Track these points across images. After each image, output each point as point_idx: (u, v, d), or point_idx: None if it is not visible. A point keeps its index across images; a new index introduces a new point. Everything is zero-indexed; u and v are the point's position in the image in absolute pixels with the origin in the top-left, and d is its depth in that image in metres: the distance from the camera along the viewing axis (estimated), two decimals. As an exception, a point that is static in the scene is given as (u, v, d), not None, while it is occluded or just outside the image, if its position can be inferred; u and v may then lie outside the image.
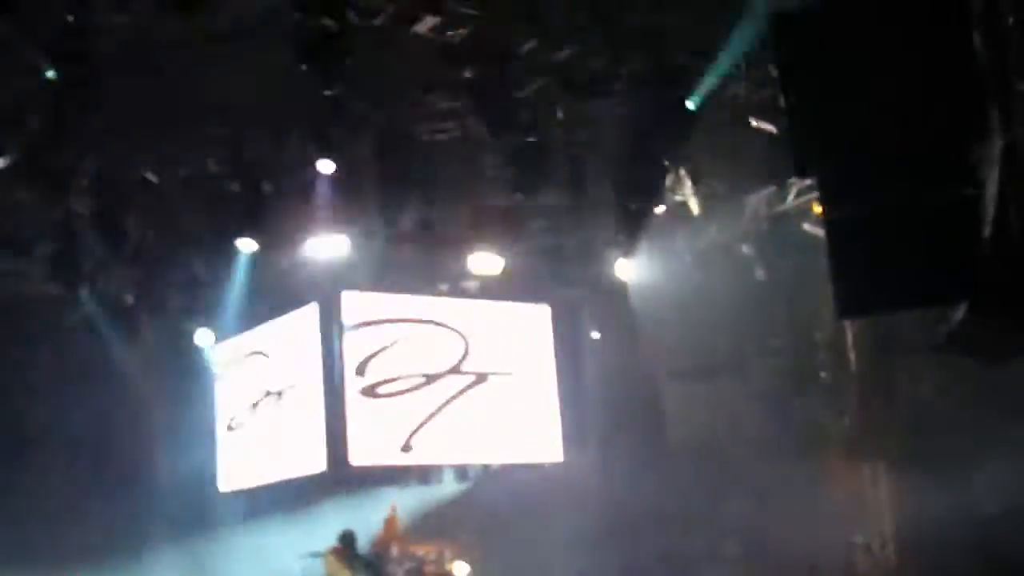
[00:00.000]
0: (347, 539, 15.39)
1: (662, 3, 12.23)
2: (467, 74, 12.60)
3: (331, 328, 16.97)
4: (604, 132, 14.56)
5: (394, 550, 16.81)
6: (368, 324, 17.26)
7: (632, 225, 16.01)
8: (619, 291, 18.05)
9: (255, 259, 15.89)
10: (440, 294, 18.14)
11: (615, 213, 15.84)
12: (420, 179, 14.58)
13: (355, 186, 14.82)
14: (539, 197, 15.06)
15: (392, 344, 17.36)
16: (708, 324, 17.82)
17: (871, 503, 17.23)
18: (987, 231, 5.85)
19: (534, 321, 18.69)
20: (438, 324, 17.82)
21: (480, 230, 16.56)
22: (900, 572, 16.76)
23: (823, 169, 6.36)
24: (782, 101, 6.91)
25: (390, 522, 17.13)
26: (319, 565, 15.34)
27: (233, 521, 17.92)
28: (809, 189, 14.98)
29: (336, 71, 11.75)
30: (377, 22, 11.74)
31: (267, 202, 14.77)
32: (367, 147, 14.15)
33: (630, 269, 17.31)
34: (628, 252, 16.76)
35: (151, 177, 14.94)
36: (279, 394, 17.91)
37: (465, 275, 17.84)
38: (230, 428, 18.88)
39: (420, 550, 17.11)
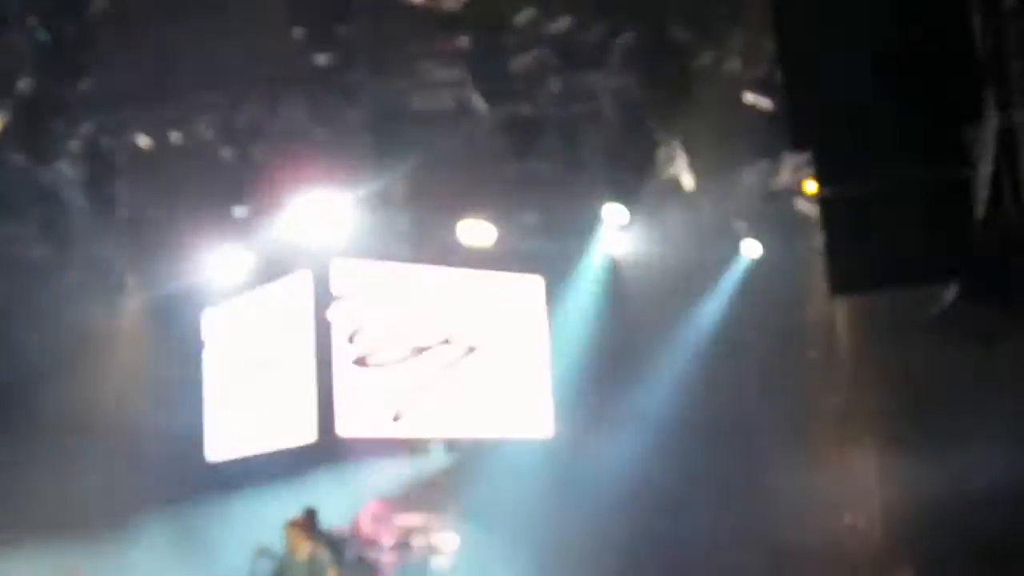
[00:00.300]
0: (309, 515, 15.27)
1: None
2: (462, 43, 12.54)
3: (322, 296, 16.92)
4: (599, 104, 14.50)
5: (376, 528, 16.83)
6: (359, 293, 17.21)
7: (626, 198, 15.99)
8: (612, 265, 18.07)
9: (247, 225, 15.83)
10: (432, 264, 18.07)
11: (609, 186, 15.81)
12: (414, 148, 14.51)
13: (348, 154, 14.77)
14: (533, 168, 15.01)
15: (383, 314, 17.32)
16: (699, 300, 17.81)
17: (862, 483, 17.29)
18: (980, 212, 5.84)
19: (526, 293, 18.65)
20: (429, 294, 17.77)
21: (473, 199, 16.54)
22: (889, 552, 16.83)
23: (818, 146, 6.31)
24: (778, 77, 6.88)
25: (365, 512, 17.12)
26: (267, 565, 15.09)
27: (222, 491, 17.89)
28: (804, 166, 14.94)
29: (330, 38, 11.69)
30: (372, -11, 11.68)
31: (260, 169, 14.70)
32: (361, 115, 14.08)
33: (623, 243, 17.31)
34: (621, 225, 16.75)
35: (143, 142, 14.88)
36: (268, 362, 17.87)
37: (457, 244, 17.82)
38: (219, 397, 18.84)
39: (407, 521, 17.14)
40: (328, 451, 17.37)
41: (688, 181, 15.54)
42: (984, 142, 5.87)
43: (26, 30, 11.49)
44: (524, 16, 12.48)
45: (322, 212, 16.03)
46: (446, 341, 17.72)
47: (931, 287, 6.41)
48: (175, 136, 14.90)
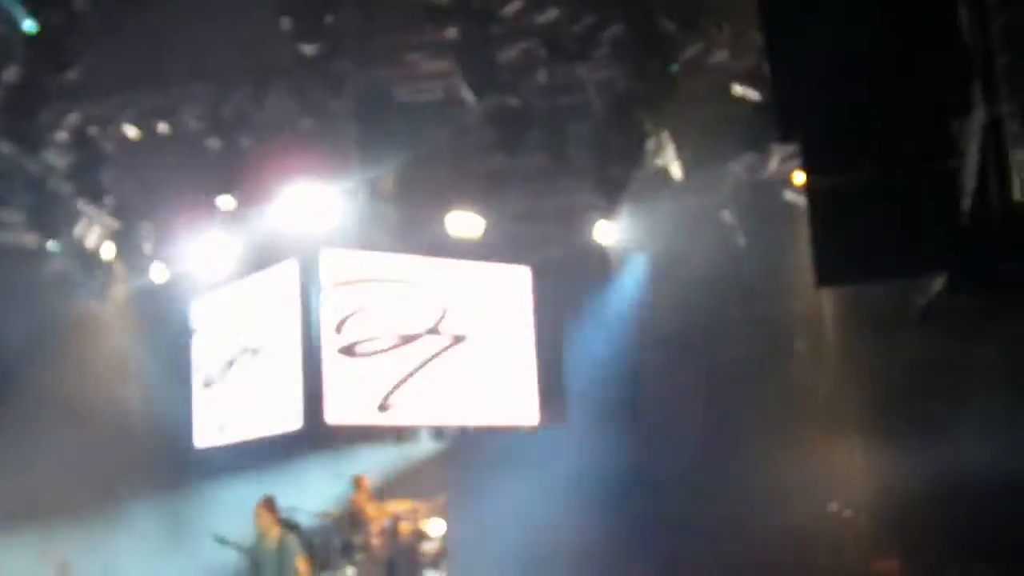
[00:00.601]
0: (268, 502, 15.28)
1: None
2: (450, 34, 12.54)
3: (310, 285, 16.91)
4: (587, 96, 14.52)
5: (368, 510, 16.86)
6: (347, 283, 17.21)
7: (613, 190, 16.01)
8: (600, 255, 18.10)
9: (234, 215, 15.83)
10: (420, 254, 18.07)
11: (596, 177, 15.83)
12: (401, 139, 14.51)
13: (336, 145, 14.76)
14: (520, 159, 15.02)
15: (371, 303, 17.32)
16: (687, 291, 17.82)
17: (846, 472, 17.35)
18: (967, 204, 5.88)
19: (514, 283, 18.66)
20: (417, 284, 17.77)
21: (461, 191, 16.55)
22: (874, 540, 16.90)
23: (806, 137, 6.34)
24: (766, 68, 6.90)
25: (360, 483, 17.15)
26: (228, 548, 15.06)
27: (209, 478, 17.89)
28: (791, 157, 14.96)
29: (318, 28, 11.69)
30: (361, -20, 11.68)
31: (247, 158, 14.69)
32: (348, 106, 14.08)
33: (611, 233, 17.33)
34: (609, 216, 16.78)
35: (129, 131, 14.86)
36: (256, 351, 17.86)
37: (445, 235, 17.83)
38: (206, 384, 18.83)
39: (394, 508, 17.17)
40: (315, 438, 17.37)
41: (676, 172, 15.56)
42: (970, 135, 5.90)
43: (12, 19, 11.46)
44: (512, 7, 12.49)
45: (309, 202, 16.01)
46: (434, 330, 17.73)
47: (917, 278, 6.45)
48: (162, 126, 14.90)
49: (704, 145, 15.33)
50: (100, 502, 17.47)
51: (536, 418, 18.35)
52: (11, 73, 12.43)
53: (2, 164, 14.84)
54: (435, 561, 16.76)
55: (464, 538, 17.23)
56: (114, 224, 16.50)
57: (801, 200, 14.22)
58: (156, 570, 16.18)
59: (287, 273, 17.18)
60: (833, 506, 16.80)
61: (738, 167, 16.26)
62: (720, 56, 13.38)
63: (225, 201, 15.21)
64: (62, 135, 14.34)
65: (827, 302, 16.96)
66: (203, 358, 18.91)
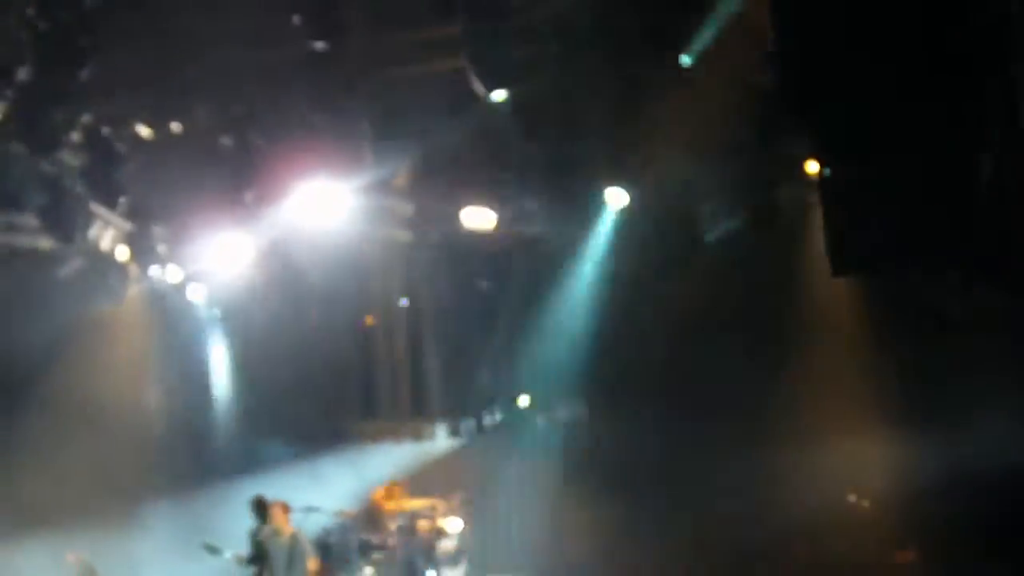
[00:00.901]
0: (259, 503, 15.34)
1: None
2: (460, 29, 12.52)
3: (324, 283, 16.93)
4: (598, 86, 14.49)
5: (385, 507, 16.87)
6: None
7: (625, 179, 15.99)
8: (612, 245, 18.06)
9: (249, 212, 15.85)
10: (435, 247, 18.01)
11: (608, 167, 15.82)
12: (412, 133, 14.50)
13: (348, 140, 14.75)
14: (533, 151, 15.01)
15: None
16: (703, 283, 17.77)
17: (865, 463, 17.29)
18: (983, 193, 5.82)
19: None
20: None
21: (474, 183, 16.54)
22: (892, 531, 16.84)
23: (818, 128, 6.31)
24: (777, 59, 6.86)
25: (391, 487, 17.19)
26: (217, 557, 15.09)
27: (227, 476, 17.92)
28: (803, 148, 14.88)
29: (329, 25, 11.68)
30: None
31: (260, 156, 14.68)
32: (360, 102, 14.07)
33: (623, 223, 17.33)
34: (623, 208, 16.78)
35: (143, 131, 14.88)
36: (274, 347, 17.88)
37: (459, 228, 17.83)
38: (226, 383, 18.86)
39: (413, 505, 17.18)
40: (335, 435, 17.42)
41: (689, 163, 15.53)
42: (987, 123, 5.85)
43: (25, 20, 11.48)
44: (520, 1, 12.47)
45: (323, 198, 16.01)
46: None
47: (933, 267, 6.40)
48: (175, 125, 14.91)
49: (715, 134, 15.27)
50: (119, 503, 17.50)
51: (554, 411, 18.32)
52: (24, 74, 12.43)
53: (16, 166, 14.87)
54: (453, 558, 16.75)
55: (481, 534, 17.23)
56: (128, 225, 16.51)
57: (814, 190, 14.17)
58: (176, 570, 16.19)
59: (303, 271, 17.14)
60: (851, 497, 16.74)
61: (750, 156, 16.18)
62: (732, 46, 13.31)
63: (239, 198, 15.17)
64: (75, 136, 14.32)
65: (843, 292, 16.88)
66: (223, 356, 18.90)
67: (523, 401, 19.82)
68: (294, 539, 14.48)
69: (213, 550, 14.77)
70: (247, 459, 18.10)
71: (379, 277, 19.60)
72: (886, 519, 16.88)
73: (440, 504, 17.20)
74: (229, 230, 16.55)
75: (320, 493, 16.98)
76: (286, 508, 14.96)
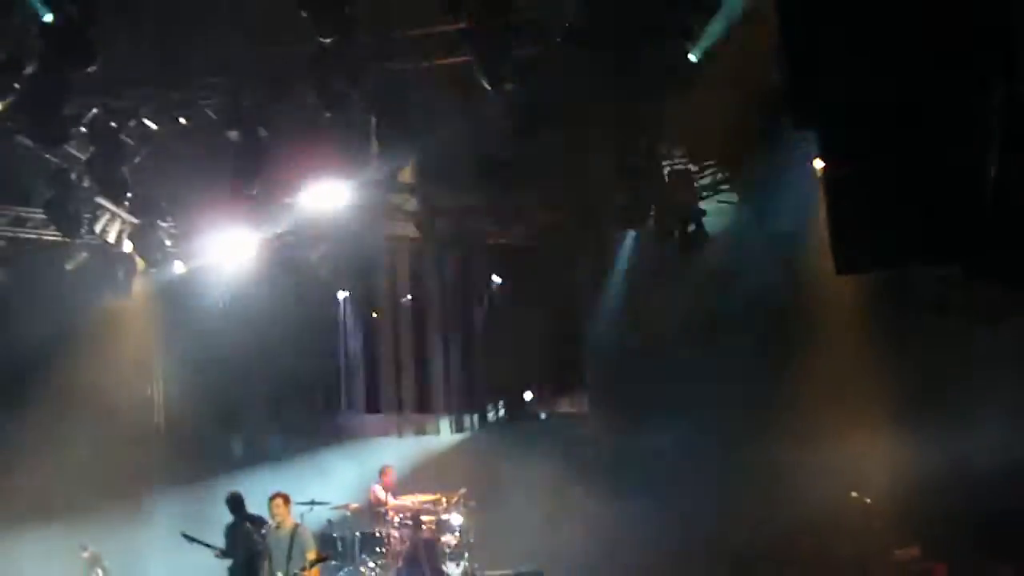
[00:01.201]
0: (235, 499, 15.38)
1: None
2: (466, 25, 12.53)
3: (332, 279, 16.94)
4: (602, 85, 14.49)
5: (388, 502, 16.91)
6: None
7: (632, 178, 16.00)
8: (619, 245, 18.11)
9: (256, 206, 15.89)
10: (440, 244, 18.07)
11: (615, 166, 15.83)
12: (418, 129, 14.50)
13: (354, 136, 14.77)
14: (537, 148, 15.02)
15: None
16: (706, 281, 17.80)
17: (868, 459, 17.30)
18: (987, 191, 5.83)
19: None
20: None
21: (478, 181, 16.56)
22: (895, 528, 16.86)
23: (822, 124, 6.31)
24: (782, 55, 6.88)
25: (384, 474, 17.21)
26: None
27: (232, 469, 17.96)
28: (808, 145, 14.89)
29: (336, 20, 11.70)
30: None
31: (266, 150, 14.69)
32: (365, 96, 14.08)
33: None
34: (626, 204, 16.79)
35: (149, 124, 14.91)
36: (282, 342, 17.92)
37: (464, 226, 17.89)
38: (233, 376, 18.89)
39: (416, 500, 17.21)
40: (339, 429, 17.47)
41: (694, 161, 15.55)
42: (992, 120, 5.86)
43: (32, 14, 11.50)
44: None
45: (329, 193, 16.05)
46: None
47: (937, 266, 6.43)
48: (182, 119, 14.94)
49: (721, 133, 15.30)
50: (124, 495, 17.57)
51: (558, 407, 18.35)
52: (31, 68, 12.45)
53: (22, 159, 14.91)
54: (456, 553, 16.79)
55: (484, 528, 17.26)
56: (135, 219, 16.55)
57: (819, 187, 14.18)
58: (180, 562, 16.23)
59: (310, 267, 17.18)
60: (854, 494, 16.75)
61: (755, 155, 16.19)
62: (737, 44, 13.32)
63: (246, 193, 15.19)
64: (82, 129, 14.35)
65: (848, 290, 16.90)
66: (232, 349, 18.90)
67: (527, 396, 19.89)
68: (295, 531, 14.52)
69: (192, 540, 14.81)
70: (250, 452, 18.14)
71: (384, 272, 19.66)
72: (888, 516, 16.90)
73: (443, 499, 17.23)
74: (235, 224, 16.60)
75: (323, 487, 17.05)
76: (287, 500, 14.95)
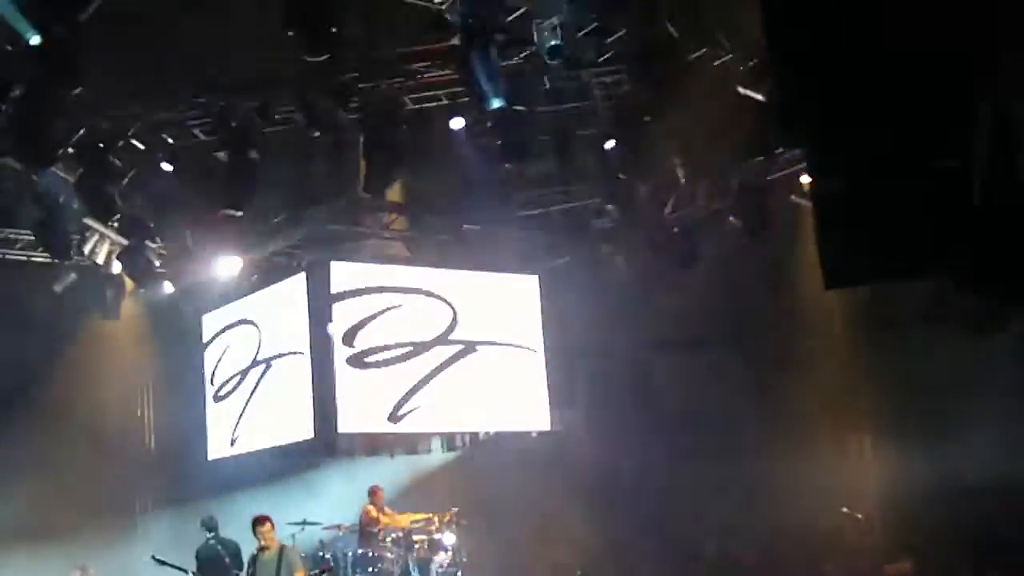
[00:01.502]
0: (209, 521, 15.30)
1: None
2: (455, 43, 12.55)
3: (319, 297, 16.92)
4: (591, 102, 14.52)
5: (381, 521, 16.87)
6: (357, 293, 17.23)
7: (620, 195, 16.02)
8: (608, 261, 18.12)
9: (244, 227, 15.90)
10: (430, 265, 18.08)
11: (603, 183, 15.85)
12: (407, 148, 14.50)
13: (342, 155, 14.78)
14: (526, 167, 15.03)
15: (380, 313, 17.33)
16: (696, 295, 17.81)
17: (859, 473, 17.33)
18: (975, 203, 5.84)
19: (522, 291, 18.66)
20: (426, 294, 17.78)
21: (467, 199, 16.58)
22: (886, 542, 16.87)
23: (811, 139, 6.32)
24: (771, 71, 6.89)
25: (375, 494, 17.17)
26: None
27: (222, 489, 17.92)
28: (798, 159, 14.94)
29: (324, 39, 11.70)
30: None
31: (255, 170, 14.68)
32: (354, 116, 14.10)
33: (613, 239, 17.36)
34: (616, 222, 16.81)
35: (137, 144, 14.90)
36: (267, 363, 17.89)
37: (453, 244, 17.89)
38: (217, 397, 18.86)
39: (408, 519, 17.17)
40: (327, 449, 17.40)
41: (682, 176, 15.56)
42: (979, 133, 5.87)
43: (18, 34, 11.47)
44: (515, 14, 12.48)
45: (318, 213, 16.05)
46: (443, 340, 17.72)
47: (927, 279, 6.43)
48: (170, 140, 14.94)
49: (710, 148, 15.33)
50: (114, 514, 17.53)
51: (547, 423, 18.32)
52: (18, 88, 12.44)
53: (10, 180, 14.89)
54: (449, 572, 16.74)
55: (477, 547, 17.22)
56: (123, 239, 16.53)
57: (808, 202, 14.21)
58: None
59: (297, 284, 17.21)
60: (845, 509, 16.77)
61: (745, 170, 16.23)
62: (725, 58, 13.36)
63: (234, 213, 15.19)
64: (70, 150, 14.33)
65: (837, 303, 16.94)
66: (215, 371, 18.95)
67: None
68: (282, 553, 14.42)
69: (162, 563, 14.80)
70: (240, 472, 18.09)
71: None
72: (880, 530, 16.92)
73: (435, 518, 17.20)
74: (224, 245, 16.60)
75: (315, 507, 17.00)
76: (266, 521, 14.74)
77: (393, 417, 17.07)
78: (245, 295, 18.15)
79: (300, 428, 16.88)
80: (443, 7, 12.18)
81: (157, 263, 17.27)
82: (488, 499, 17.95)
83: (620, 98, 14.22)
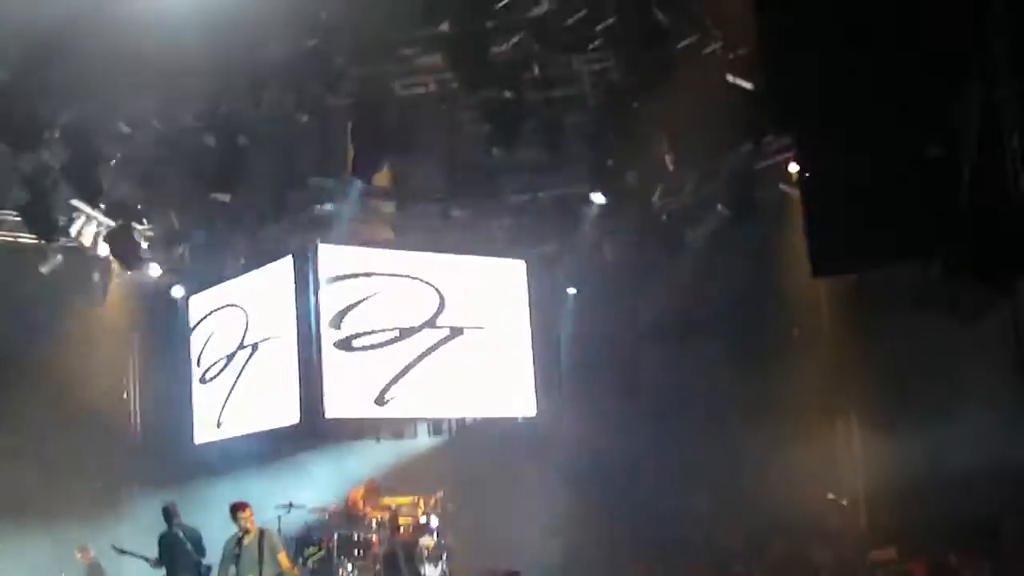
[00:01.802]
0: (169, 509, 15.34)
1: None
2: (444, 29, 12.54)
3: (306, 281, 16.90)
4: (581, 88, 14.52)
5: (366, 506, 16.91)
6: (344, 277, 17.21)
7: (608, 182, 16.03)
8: (595, 247, 18.14)
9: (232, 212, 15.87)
10: (417, 249, 18.07)
11: (592, 169, 15.85)
12: (396, 133, 14.49)
13: (331, 140, 14.77)
14: (515, 153, 15.02)
15: (368, 298, 17.32)
16: (683, 282, 17.83)
17: (844, 460, 17.37)
18: (963, 190, 5.88)
19: (509, 276, 18.66)
20: (414, 278, 17.77)
21: (456, 185, 16.58)
22: (872, 529, 16.93)
23: (799, 127, 6.35)
24: (761, 61, 6.91)
25: (369, 489, 17.23)
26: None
27: (209, 473, 17.91)
28: (786, 147, 14.95)
29: (313, 24, 11.69)
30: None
31: (243, 155, 14.66)
32: (343, 101, 14.08)
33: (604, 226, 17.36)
34: (604, 208, 16.82)
35: (125, 129, 14.85)
36: (254, 347, 17.88)
37: (441, 229, 17.90)
38: (204, 380, 18.84)
39: (393, 502, 17.21)
40: (313, 433, 17.40)
41: (670, 163, 15.56)
42: (967, 120, 5.90)
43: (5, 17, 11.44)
44: (505, 1, 12.48)
45: (306, 198, 16.02)
46: (431, 324, 17.72)
47: (913, 265, 6.46)
48: (158, 123, 14.89)
49: (699, 136, 15.33)
50: (100, 497, 17.53)
51: (533, 409, 18.34)
52: (4, 72, 12.40)
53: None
54: (434, 555, 16.78)
55: (462, 531, 17.26)
56: (111, 221, 16.50)
57: (796, 190, 14.22)
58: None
59: (284, 269, 17.19)
60: (831, 495, 16.81)
61: (733, 158, 16.24)
62: (714, 46, 13.37)
63: (222, 198, 15.17)
64: (56, 133, 14.28)
65: (823, 290, 16.97)
66: (201, 354, 18.93)
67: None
68: (262, 536, 14.42)
69: (122, 552, 14.85)
70: (227, 455, 18.08)
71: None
72: (866, 517, 16.98)
73: (421, 501, 17.24)
74: (212, 229, 16.58)
75: (301, 489, 17.02)
76: (246, 507, 14.71)
77: (379, 401, 17.07)
78: (232, 278, 18.13)
79: (286, 412, 16.88)
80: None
81: (144, 245, 17.24)
82: (473, 483, 17.97)
83: (609, 85, 14.21)
